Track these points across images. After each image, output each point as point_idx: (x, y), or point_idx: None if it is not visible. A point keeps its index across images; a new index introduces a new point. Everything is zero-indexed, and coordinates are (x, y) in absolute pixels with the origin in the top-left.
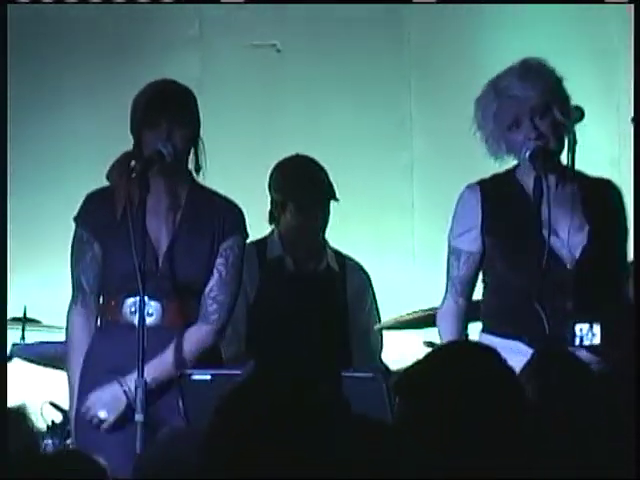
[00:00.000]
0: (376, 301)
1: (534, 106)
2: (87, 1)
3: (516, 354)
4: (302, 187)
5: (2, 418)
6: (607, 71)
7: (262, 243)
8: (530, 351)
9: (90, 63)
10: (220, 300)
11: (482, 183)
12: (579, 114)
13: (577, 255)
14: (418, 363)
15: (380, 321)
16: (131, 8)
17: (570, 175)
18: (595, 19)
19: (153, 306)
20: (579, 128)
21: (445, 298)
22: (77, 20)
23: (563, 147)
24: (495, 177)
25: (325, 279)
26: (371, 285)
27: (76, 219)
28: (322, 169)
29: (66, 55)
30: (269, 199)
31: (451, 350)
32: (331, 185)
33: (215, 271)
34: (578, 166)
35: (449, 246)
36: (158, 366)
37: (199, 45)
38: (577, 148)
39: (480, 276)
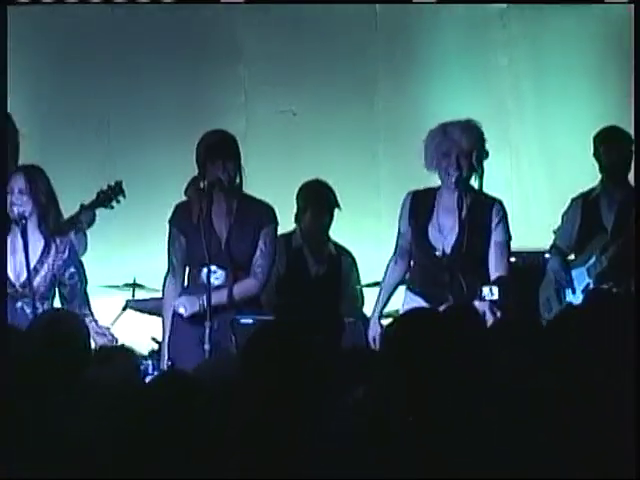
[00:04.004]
0: (359, 274)
1: (463, 149)
2: (87, 1)
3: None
4: (317, 199)
5: (2, 411)
6: (502, 115)
7: (289, 236)
8: (424, 304)
9: (169, 119)
10: (262, 264)
11: (415, 192)
12: (486, 154)
13: (450, 245)
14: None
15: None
16: (195, 79)
17: (476, 193)
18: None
19: (219, 273)
20: (486, 164)
21: (391, 258)
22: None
23: (474, 176)
24: (426, 190)
25: (329, 261)
26: (356, 265)
27: (170, 221)
28: (331, 189)
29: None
30: (295, 207)
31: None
32: (336, 199)
33: (258, 248)
34: (487, 184)
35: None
36: (218, 297)
37: (245, 109)
38: (483, 174)
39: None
